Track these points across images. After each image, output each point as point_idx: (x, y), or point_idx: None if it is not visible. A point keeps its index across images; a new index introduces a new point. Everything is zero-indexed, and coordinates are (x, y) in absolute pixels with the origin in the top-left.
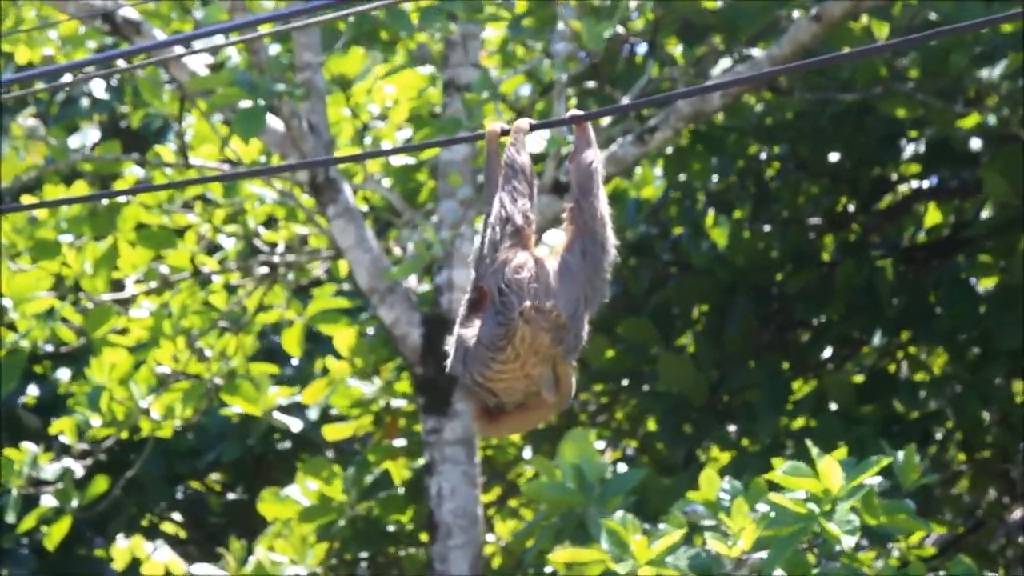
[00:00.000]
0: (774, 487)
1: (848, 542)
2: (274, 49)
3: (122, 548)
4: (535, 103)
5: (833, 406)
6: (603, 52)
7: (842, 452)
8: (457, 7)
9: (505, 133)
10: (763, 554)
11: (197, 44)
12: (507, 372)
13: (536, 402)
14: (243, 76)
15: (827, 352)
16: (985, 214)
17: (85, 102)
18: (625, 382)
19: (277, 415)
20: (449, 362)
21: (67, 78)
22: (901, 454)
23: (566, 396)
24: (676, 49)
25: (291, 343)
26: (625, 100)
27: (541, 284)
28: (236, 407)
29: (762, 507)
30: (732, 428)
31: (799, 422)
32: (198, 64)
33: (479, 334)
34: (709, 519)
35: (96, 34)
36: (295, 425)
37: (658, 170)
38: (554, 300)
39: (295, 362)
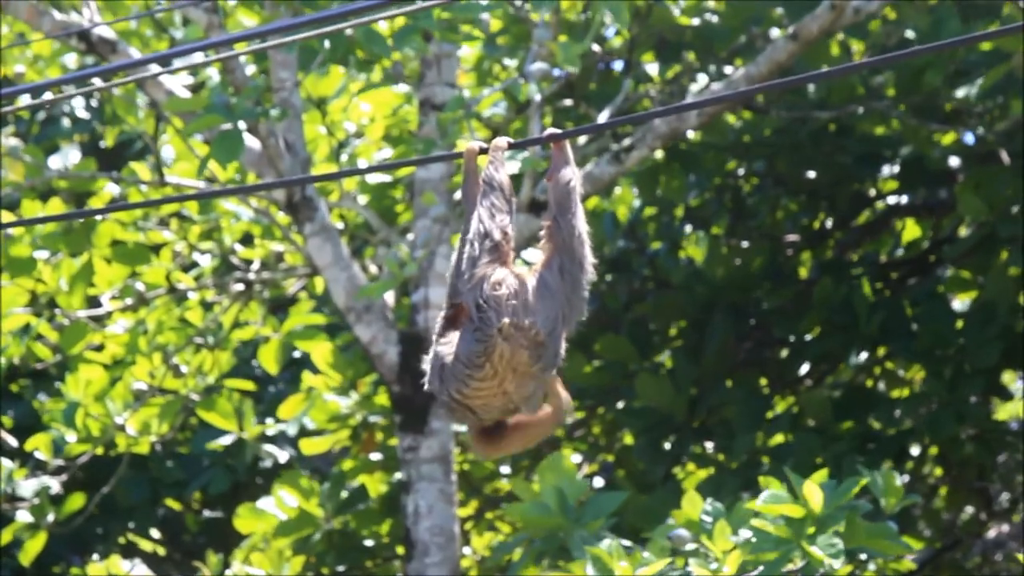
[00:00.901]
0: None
1: (833, 566)
2: (251, 68)
3: (99, 566)
4: (511, 122)
5: (810, 422)
6: (579, 71)
7: (823, 474)
8: (430, 25)
9: (483, 152)
10: None
11: (174, 63)
12: (484, 389)
13: (535, 419)
14: (220, 98)
15: (805, 368)
16: (962, 232)
17: (66, 122)
18: (603, 399)
19: (264, 446)
20: (427, 379)
21: (47, 95)
22: (880, 476)
23: (561, 411)
24: (652, 67)
25: (268, 359)
26: (602, 118)
27: (520, 301)
28: (223, 439)
29: (745, 533)
30: (710, 445)
31: (777, 439)
32: (175, 83)
33: (456, 351)
34: (692, 543)
35: (69, 50)
36: (282, 456)
37: (636, 188)
38: (533, 317)
39: (273, 387)
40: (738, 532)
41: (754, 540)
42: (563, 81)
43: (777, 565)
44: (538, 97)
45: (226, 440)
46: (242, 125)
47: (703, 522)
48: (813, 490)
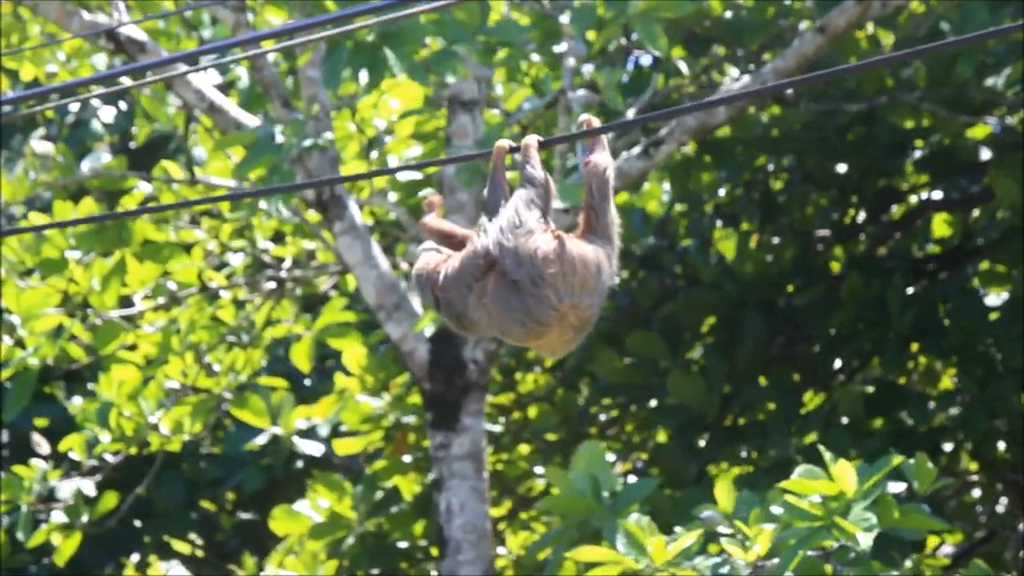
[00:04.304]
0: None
1: (865, 541)
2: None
3: (135, 568)
4: (539, 117)
5: (843, 419)
6: (619, 103)
7: (855, 462)
8: (470, 49)
9: (514, 150)
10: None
11: (202, 61)
12: (508, 340)
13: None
14: (265, 131)
15: (837, 363)
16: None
17: (96, 125)
18: (635, 397)
19: (297, 440)
20: (427, 293)
21: (75, 107)
22: (914, 457)
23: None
24: (681, 61)
25: (300, 357)
26: (631, 113)
27: (579, 279)
28: (259, 438)
29: (777, 510)
30: (743, 445)
31: (809, 437)
32: (204, 82)
33: (499, 302)
34: (725, 526)
35: (98, 51)
36: (316, 450)
37: (666, 184)
38: (590, 299)
39: (307, 383)
40: (769, 513)
41: (787, 516)
42: (591, 77)
43: (807, 541)
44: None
45: (262, 439)
46: (288, 162)
47: (737, 511)
48: (846, 470)
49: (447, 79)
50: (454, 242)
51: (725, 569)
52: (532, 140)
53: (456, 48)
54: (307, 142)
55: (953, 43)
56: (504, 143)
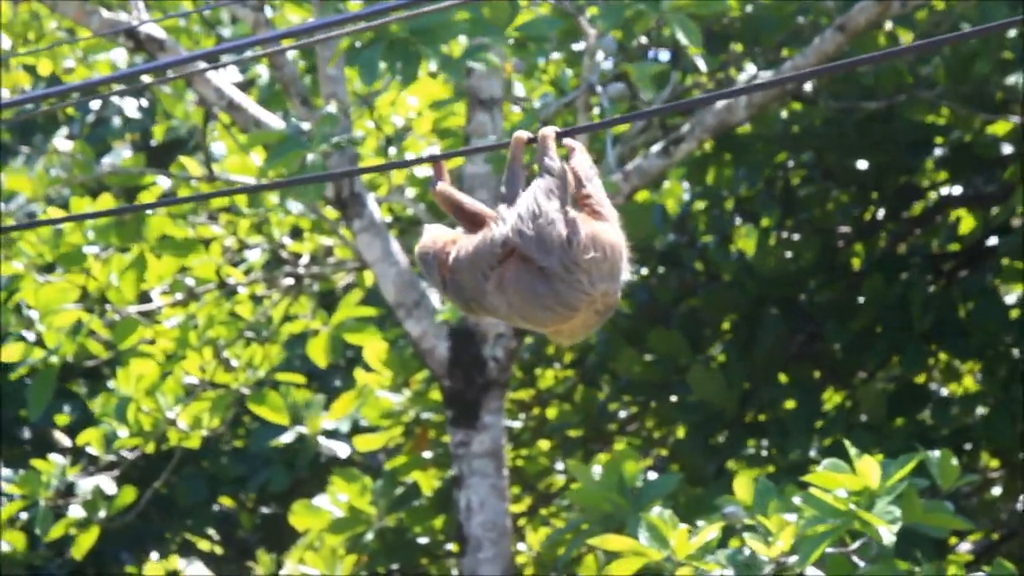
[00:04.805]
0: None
1: (888, 536)
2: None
3: (156, 565)
4: (557, 113)
5: (864, 418)
6: (652, 96)
7: (878, 457)
8: (502, 44)
9: (531, 141)
10: None
11: (222, 59)
12: (527, 325)
13: None
14: (294, 129)
15: (858, 362)
16: (1015, 222)
17: (117, 121)
18: (655, 394)
19: (323, 440)
20: (433, 273)
21: (96, 104)
22: (937, 454)
23: None
24: (699, 59)
25: (317, 353)
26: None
27: (609, 264)
28: (285, 436)
29: (797, 501)
30: (763, 442)
31: (831, 436)
32: (224, 80)
33: (524, 289)
34: (747, 519)
35: (117, 46)
36: (342, 451)
37: (686, 182)
38: (615, 284)
39: (332, 382)
40: (790, 507)
41: (810, 510)
42: (612, 73)
43: (830, 535)
44: (612, 115)
45: (287, 437)
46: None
47: (756, 503)
48: (870, 465)
49: (470, 73)
50: (465, 213)
51: (746, 558)
52: (549, 131)
53: (488, 41)
54: (338, 138)
55: (970, 35)
56: (522, 134)
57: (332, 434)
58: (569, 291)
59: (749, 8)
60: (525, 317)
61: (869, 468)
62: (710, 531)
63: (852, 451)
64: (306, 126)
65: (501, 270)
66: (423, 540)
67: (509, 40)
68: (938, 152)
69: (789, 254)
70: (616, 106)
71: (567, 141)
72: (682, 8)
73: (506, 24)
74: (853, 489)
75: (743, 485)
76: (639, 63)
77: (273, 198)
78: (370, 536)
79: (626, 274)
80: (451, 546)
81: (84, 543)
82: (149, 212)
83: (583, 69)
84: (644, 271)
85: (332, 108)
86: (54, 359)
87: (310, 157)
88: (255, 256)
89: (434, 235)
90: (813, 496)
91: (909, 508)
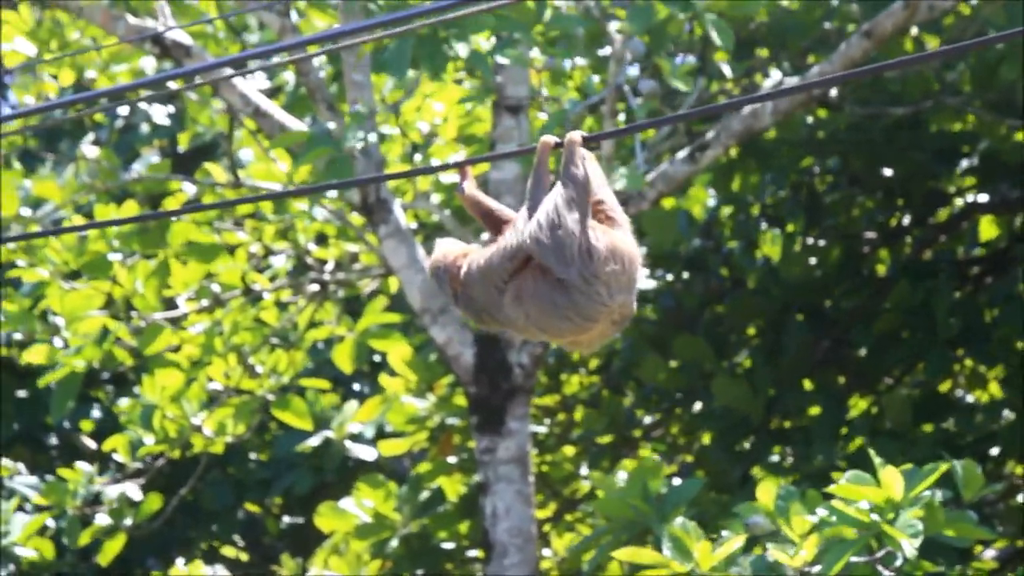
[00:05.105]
0: (832, 500)
1: (910, 549)
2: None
3: (181, 570)
4: (582, 117)
5: (889, 424)
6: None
7: (904, 466)
8: (529, 41)
9: (559, 146)
10: None
11: (248, 66)
12: (543, 338)
13: None
14: (321, 129)
15: (884, 368)
16: None
17: (145, 128)
18: (680, 400)
19: (349, 444)
20: (444, 286)
21: (124, 110)
22: (961, 464)
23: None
24: (725, 65)
25: (343, 359)
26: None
27: (627, 276)
28: (312, 440)
29: (821, 512)
30: (787, 449)
31: (856, 443)
32: (250, 87)
33: (542, 301)
34: (770, 527)
35: (143, 54)
36: (368, 454)
37: (712, 189)
38: (631, 295)
39: (356, 387)
40: (814, 513)
41: (832, 519)
42: (638, 79)
43: (852, 546)
44: (642, 112)
45: (314, 441)
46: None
47: (779, 507)
48: (893, 476)
49: (497, 78)
50: (492, 218)
51: (769, 565)
52: (576, 136)
53: (517, 36)
54: (368, 136)
55: (996, 39)
56: (549, 138)
57: (357, 438)
58: (588, 303)
59: (780, 6)
60: (543, 328)
61: (892, 479)
62: (734, 542)
63: (876, 460)
64: (331, 125)
65: (519, 281)
66: (448, 546)
67: (536, 39)
68: (964, 160)
69: (814, 260)
70: (647, 103)
71: (564, 162)
72: (715, 7)
73: (533, 24)
74: (876, 501)
75: (766, 491)
76: (670, 58)
77: (301, 205)
78: (395, 542)
79: (641, 282)
80: (476, 552)
81: (111, 550)
82: (174, 219)
83: (609, 75)
84: (669, 277)
85: (360, 107)
86: (79, 364)
87: (335, 155)
88: (280, 262)
89: (445, 249)
90: (836, 509)
91: (932, 519)
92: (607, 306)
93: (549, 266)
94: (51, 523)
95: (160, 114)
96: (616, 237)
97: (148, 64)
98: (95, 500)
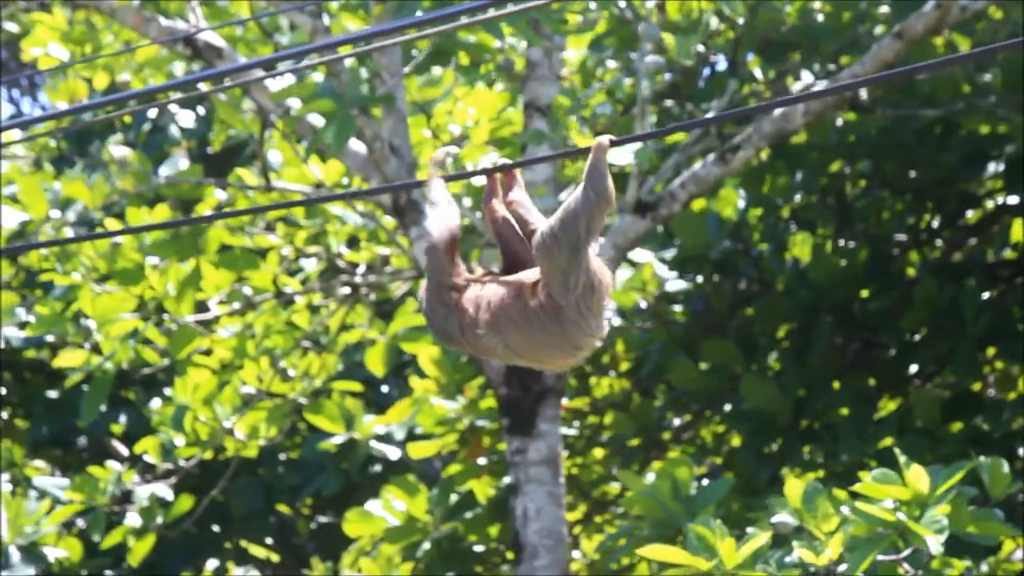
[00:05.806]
0: (858, 499)
1: (935, 545)
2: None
3: (212, 572)
4: (616, 121)
5: (918, 423)
6: (685, 70)
7: (929, 459)
8: (542, 16)
9: (614, 144)
10: None
11: (278, 67)
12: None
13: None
14: (326, 86)
15: (913, 368)
16: None
17: (174, 130)
18: (710, 402)
19: (374, 443)
20: (442, 324)
21: (153, 112)
22: (988, 462)
23: None
24: (756, 68)
25: (375, 362)
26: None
27: (607, 307)
28: (335, 438)
29: (845, 511)
30: (815, 447)
31: (885, 441)
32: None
33: (537, 330)
34: (795, 522)
35: (175, 58)
36: (393, 453)
37: (742, 190)
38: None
39: (384, 388)
40: (839, 511)
41: (857, 519)
42: (669, 81)
43: (878, 543)
44: (647, 92)
45: (338, 439)
46: (352, 112)
47: (805, 504)
48: (919, 473)
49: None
50: (508, 247)
51: (795, 562)
52: (604, 140)
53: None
54: (364, 91)
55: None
56: (605, 139)
57: (385, 439)
58: (578, 333)
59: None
60: (533, 357)
61: (918, 477)
62: (759, 539)
63: (902, 458)
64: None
65: (523, 311)
66: (479, 548)
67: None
68: (994, 162)
69: (844, 262)
70: (652, 78)
71: (508, 183)
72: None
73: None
74: (902, 498)
75: (793, 488)
76: (679, 35)
77: (334, 209)
78: (427, 545)
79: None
80: (506, 554)
81: (140, 550)
82: (206, 224)
83: (638, 75)
84: (699, 279)
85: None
86: (109, 366)
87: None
88: (312, 266)
89: (441, 263)
90: (859, 508)
91: (958, 516)
92: (594, 336)
93: (552, 291)
94: (80, 523)
95: (187, 119)
96: (605, 271)
97: (178, 68)
98: (125, 499)
